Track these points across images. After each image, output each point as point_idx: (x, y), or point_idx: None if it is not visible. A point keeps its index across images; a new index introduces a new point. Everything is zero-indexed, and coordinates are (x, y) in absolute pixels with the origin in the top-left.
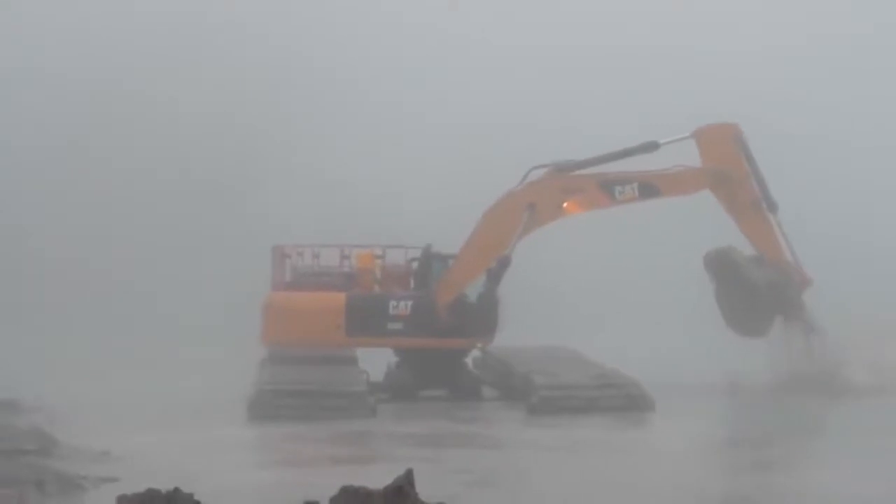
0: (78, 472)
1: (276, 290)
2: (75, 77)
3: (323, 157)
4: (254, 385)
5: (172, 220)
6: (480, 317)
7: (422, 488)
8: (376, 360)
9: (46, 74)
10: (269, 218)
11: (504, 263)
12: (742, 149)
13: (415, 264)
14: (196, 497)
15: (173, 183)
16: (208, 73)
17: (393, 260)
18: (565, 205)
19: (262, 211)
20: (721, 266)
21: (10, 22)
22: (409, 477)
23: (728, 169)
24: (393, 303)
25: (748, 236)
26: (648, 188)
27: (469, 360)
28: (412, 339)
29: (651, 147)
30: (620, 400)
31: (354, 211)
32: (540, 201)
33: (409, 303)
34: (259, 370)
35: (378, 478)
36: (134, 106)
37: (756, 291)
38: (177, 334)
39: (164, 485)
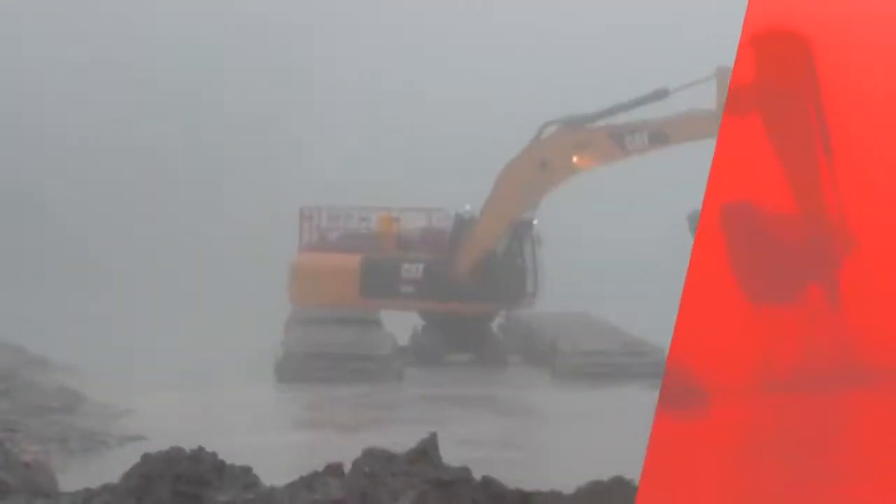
0: (103, 429)
1: (303, 251)
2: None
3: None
4: (281, 346)
5: (201, 182)
6: (504, 281)
7: (445, 452)
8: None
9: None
10: (306, 179)
11: (527, 226)
12: None
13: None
14: (220, 457)
15: (208, 145)
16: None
17: (432, 223)
18: (576, 159)
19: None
20: None
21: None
22: (432, 440)
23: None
24: (406, 266)
25: None
26: (658, 136)
27: (494, 326)
28: (424, 302)
29: (661, 94)
30: (647, 368)
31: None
32: (553, 157)
33: (421, 266)
34: (285, 331)
35: (402, 441)
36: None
37: None
38: (205, 293)
39: (187, 444)
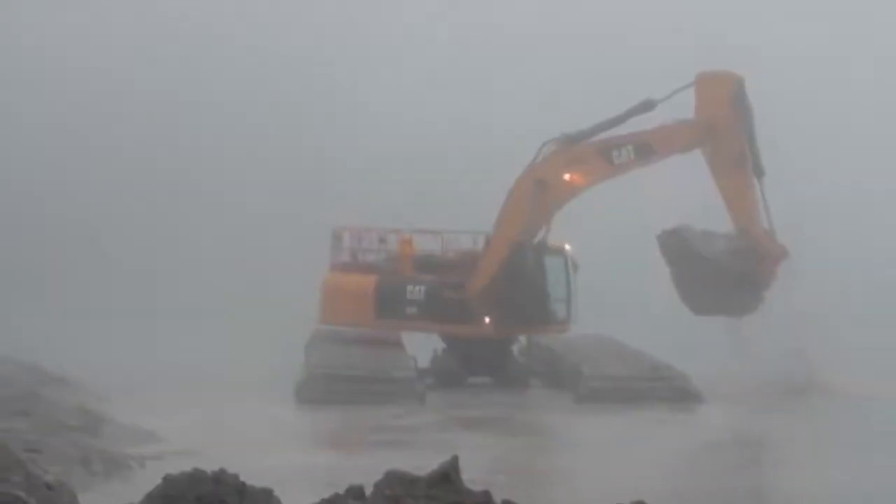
0: (124, 450)
1: (331, 272)
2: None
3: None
4: (302, 367)
5: (227, 202)
6: (509, 306)
7: (466, 475)
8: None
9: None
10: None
11: (539, 250)
12: (738, 102)
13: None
14: (241, 478)
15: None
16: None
17: (475, 245)
18: (567, 176)
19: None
20: (673, 246)
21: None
22: (454, 463)
23: (716, 121)
24: (410, 287)
25: (723, 198)
26: (644, 149)
27: (515, 349)
28: (424, 323)
29: (648, 106)
30: (668, 392)
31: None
32: (548, 176)
33: (423, 288)
34: (306, 352)
35: (423, 463)
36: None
37: (707, 265)
38: (228, 314)
39: (209, 465)
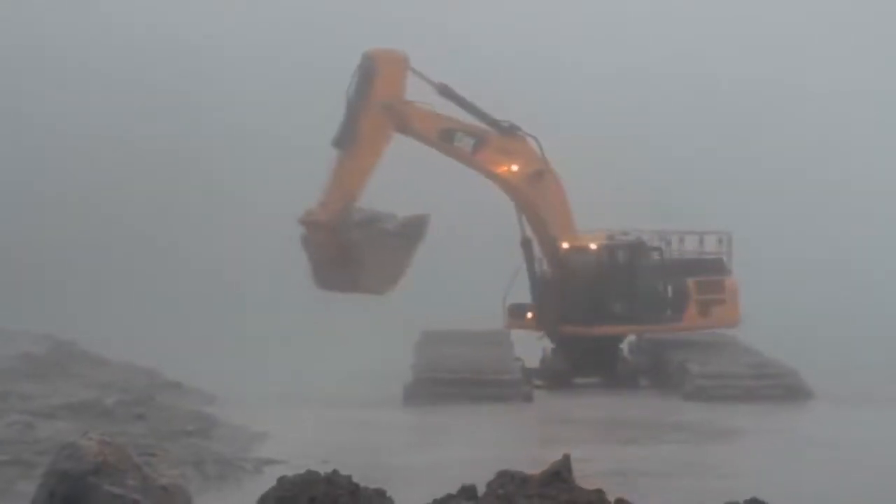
0: (238, 453)
1: None
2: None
3: None
4: (412, 369)
5: None
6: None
7: (578, 474)
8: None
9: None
10: None
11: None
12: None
13: None
14: (355, 480)
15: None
16: None
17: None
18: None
19: None
20: None
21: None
22: (566, 462)
23: None
24: None
25: None
26: None
27: (624, 348)
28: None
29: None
30: (777, 390)
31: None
32: None
33: None
34: (415, 354)
35: (535, 463)
36: None
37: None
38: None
39: (322, 467)
